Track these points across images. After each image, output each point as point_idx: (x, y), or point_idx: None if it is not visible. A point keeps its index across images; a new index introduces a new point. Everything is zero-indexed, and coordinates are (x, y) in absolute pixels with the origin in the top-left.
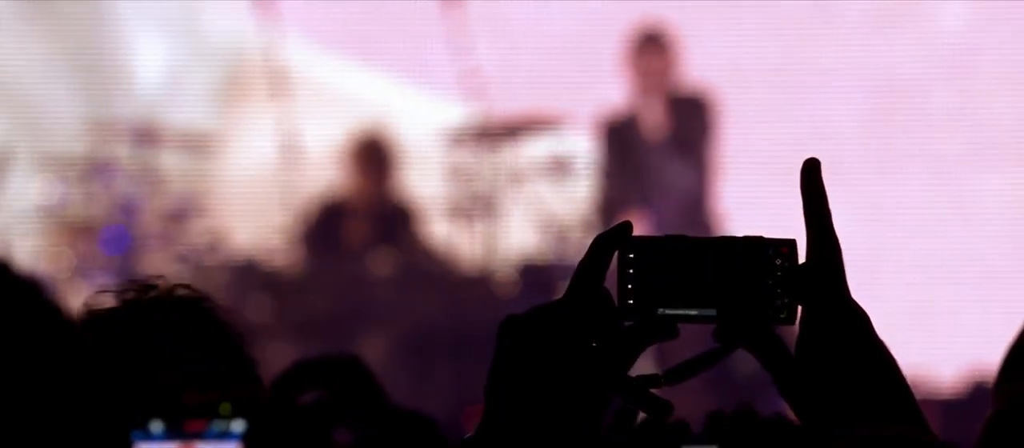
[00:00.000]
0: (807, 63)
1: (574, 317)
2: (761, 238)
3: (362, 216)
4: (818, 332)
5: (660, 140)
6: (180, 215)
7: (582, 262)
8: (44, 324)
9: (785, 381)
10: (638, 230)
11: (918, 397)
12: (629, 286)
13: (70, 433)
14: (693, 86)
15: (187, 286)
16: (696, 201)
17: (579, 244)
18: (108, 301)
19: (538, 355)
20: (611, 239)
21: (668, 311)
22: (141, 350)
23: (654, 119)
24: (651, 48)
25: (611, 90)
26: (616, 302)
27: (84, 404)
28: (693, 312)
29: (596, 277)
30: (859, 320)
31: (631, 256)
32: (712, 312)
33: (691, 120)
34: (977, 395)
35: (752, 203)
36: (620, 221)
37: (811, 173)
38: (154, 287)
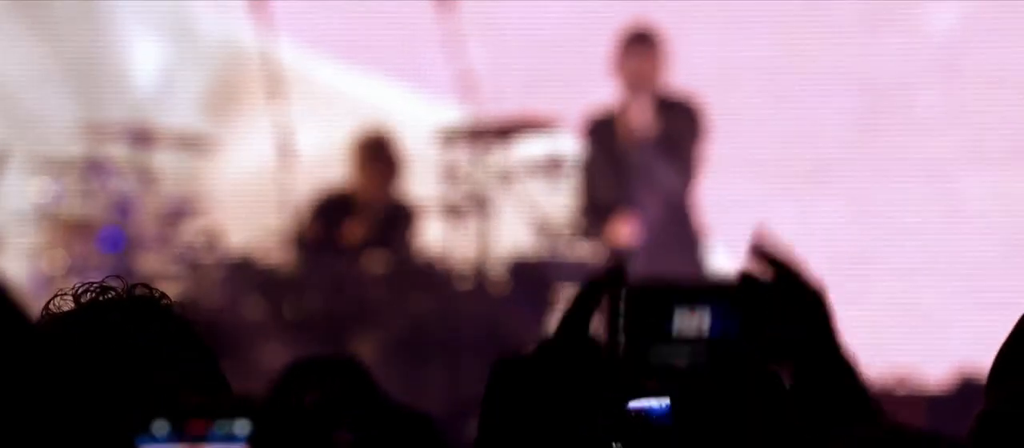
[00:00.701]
0: (796, 64)
1: (563, 361)
2: (753, 279)
3: (357, 216)
4: (810, 382)
5: (647, 140)
6: (176, 215)
7: (571, 304)
8: (8, 330)
9: (776, 427)
10: (623, 230)
11: (905, 394)
12: (620, 330)
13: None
14: (682, 90)
15: (146, 285)
16: (681, 202)
17: (571, 244)
18: (67, 304)
19: (530, 400)
20: (602, 283)
21: (658, 355)
22: (102, 351)
23: (641, 119)
24: (639, 48)
25: (603, 91)
26: (605, 345)
27: (59, 410)
28: (684, 357)
29: (584, 320)
30: (850, 369)
31: (622, 299)
32: (703, 358)
33: (678, 122)
34: (965, 392)
35: (739, 203)
36: (612, 265)
37: (760, 246)
38: (112, 288)
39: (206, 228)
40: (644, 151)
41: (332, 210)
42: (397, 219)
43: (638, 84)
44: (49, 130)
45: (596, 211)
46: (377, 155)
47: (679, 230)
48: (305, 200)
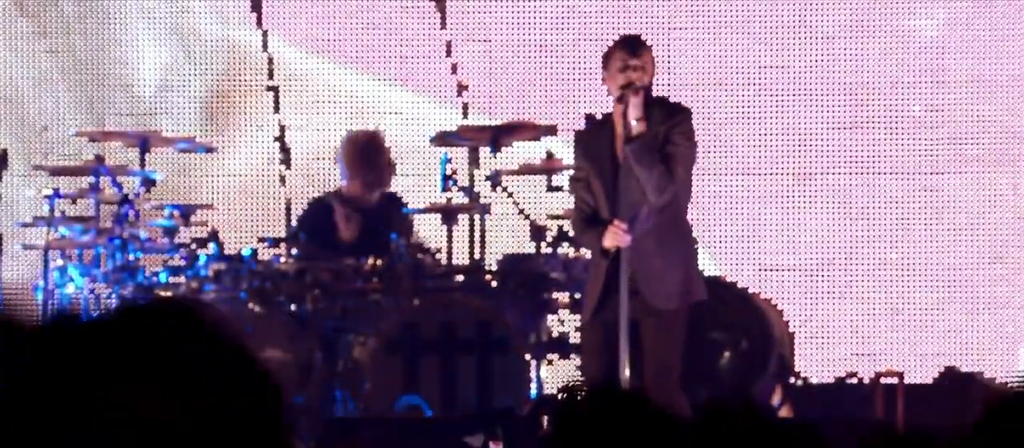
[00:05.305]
0: (784, 69)
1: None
2: None
3: (354, 216)
4: None
5: (632, 145)
6: (176, 216)
7: None
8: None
9: None
10: (615, 232)
11: (890, 386)
12: None
13: None
14: (671, 97)
15: (183, 296)
16: (670, 207)
17: (564, 244)
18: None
19: None
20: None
21: None
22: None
23: (633, 114)
24: (629, 48)
25: (597, 95)
26: None
27: None
28: None
29: None
30: None
31: None
32: None
33: (670, 118)
34: (951, 388)
35: (728, 205)
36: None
37: None
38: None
39: (206, 228)
40: (629, 156)
41: (324, 214)
42: (392, 220)
43: (629, 77)
44: (51, 130)
45: (593, 222)
46: (369, 157)
47: (665, 237)
48: (302, 202)
